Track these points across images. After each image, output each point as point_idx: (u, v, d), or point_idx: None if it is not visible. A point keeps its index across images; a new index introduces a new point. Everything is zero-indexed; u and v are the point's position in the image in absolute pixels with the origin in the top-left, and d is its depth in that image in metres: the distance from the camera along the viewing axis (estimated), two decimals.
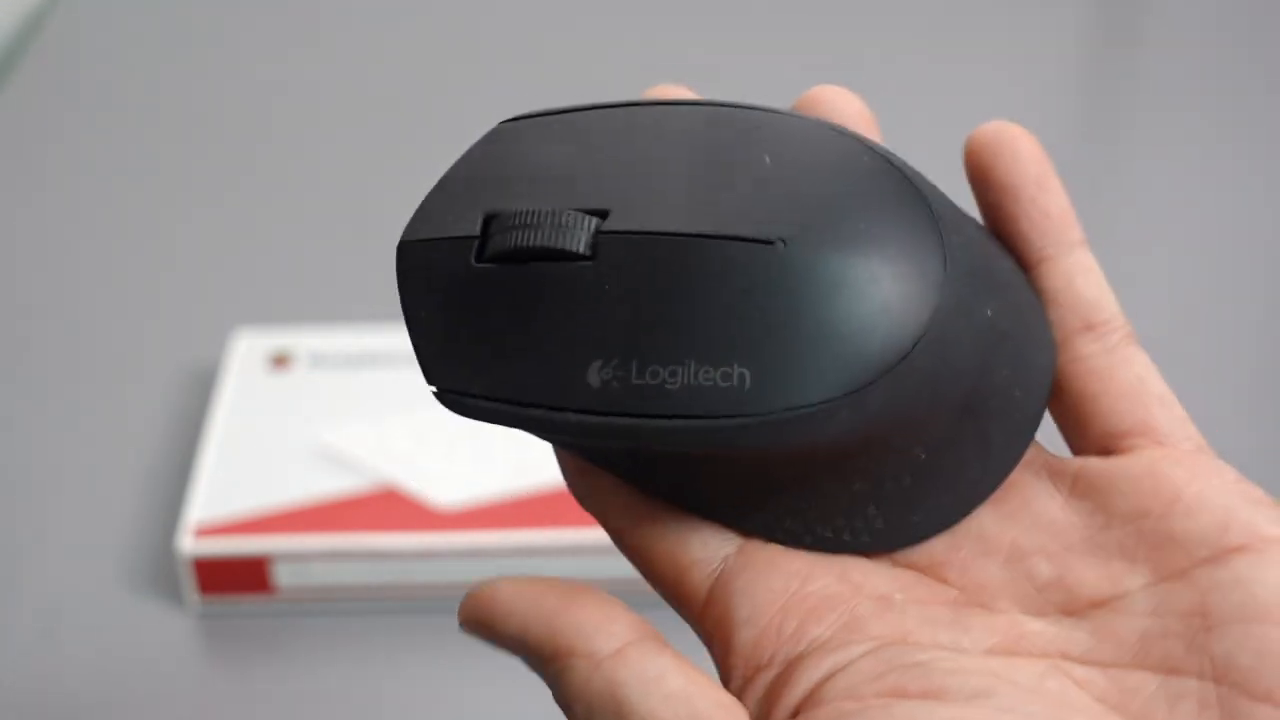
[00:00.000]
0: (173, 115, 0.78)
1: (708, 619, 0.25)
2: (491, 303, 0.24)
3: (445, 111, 0.77)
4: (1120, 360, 0.26)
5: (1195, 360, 0.60)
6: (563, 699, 0.23)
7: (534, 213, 0.24)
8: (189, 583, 0.49)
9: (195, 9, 0.87)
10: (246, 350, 0.56)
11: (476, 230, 0.25)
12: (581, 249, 0.24)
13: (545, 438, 0.25)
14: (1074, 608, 0.24)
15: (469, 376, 0.24)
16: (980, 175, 0.27)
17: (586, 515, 0.49)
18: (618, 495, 0.26)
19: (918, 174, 0.25)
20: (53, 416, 0.58)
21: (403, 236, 0.26)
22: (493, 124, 0.76)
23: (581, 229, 0.24)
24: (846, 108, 0.28)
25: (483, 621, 0.24)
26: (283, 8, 0.87)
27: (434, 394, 0.25)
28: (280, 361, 0.55)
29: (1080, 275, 0.26)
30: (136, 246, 0.68)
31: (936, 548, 0.25)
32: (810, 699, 0.23)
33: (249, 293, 0.64)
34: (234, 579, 0.49)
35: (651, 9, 0.86)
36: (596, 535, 0.49)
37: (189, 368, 0.60)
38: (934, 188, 0.25)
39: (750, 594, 0.24)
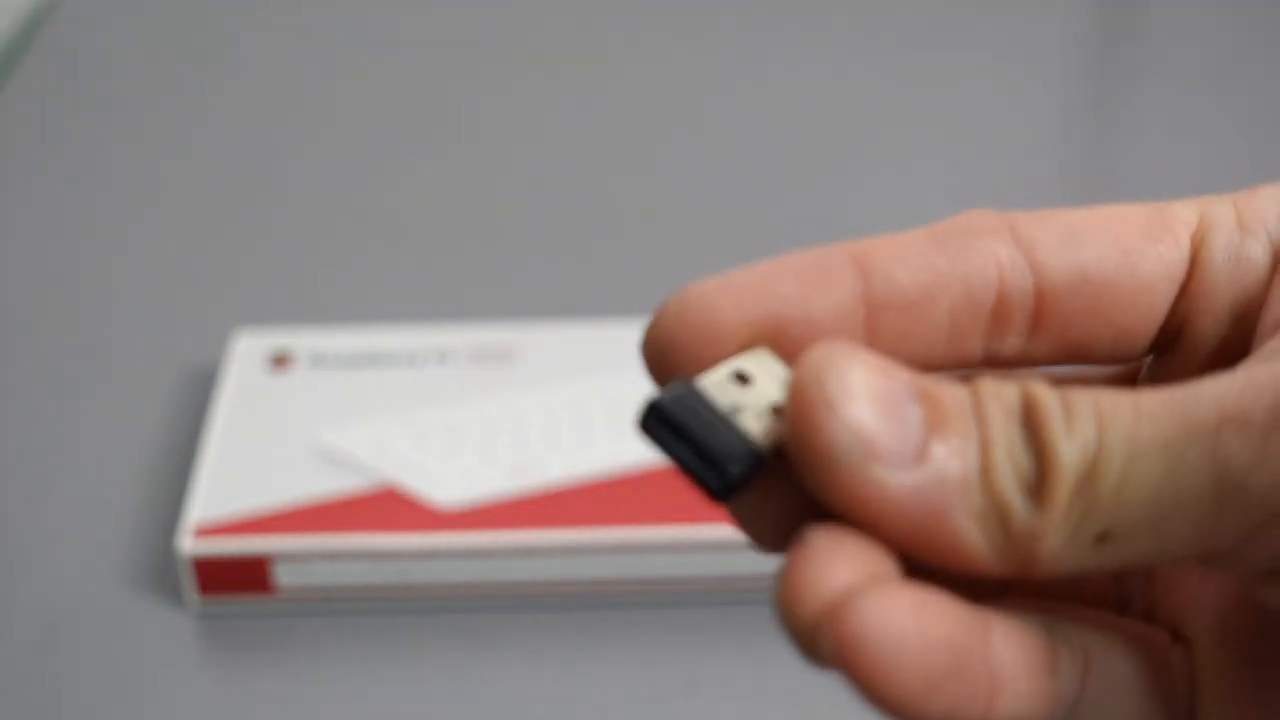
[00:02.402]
0: (173, 115, 0.78)
1: None
2: None
3: (445, 112, 0.77)
4: None
5: None
6: None
7: None
8: (189, 583, 0.49)
9: (196, 9, 0.87)
10: (246, 350, 0.56)
11: None
12: None
13: None
14: None
15: None
16: None
17: (586, 515, 0.49)
18: None
19: None
20: (53, 416, 0.58)
21: None
22: (491, 124, 0.76)
23: None
24: None
25: None
26: (284, 9, 0.87)
27: None
28: (280, 361, 0.55)
29: None
30: (136, 246, 0.68)
31: None
32: None
33: (249, 293, 0.64)
34: (234, 579, 0.49)
35: (651, 14, 0.86)
36: (597, 535, 0.49)
37: (189, 368, 0.59)
38: None
39: None
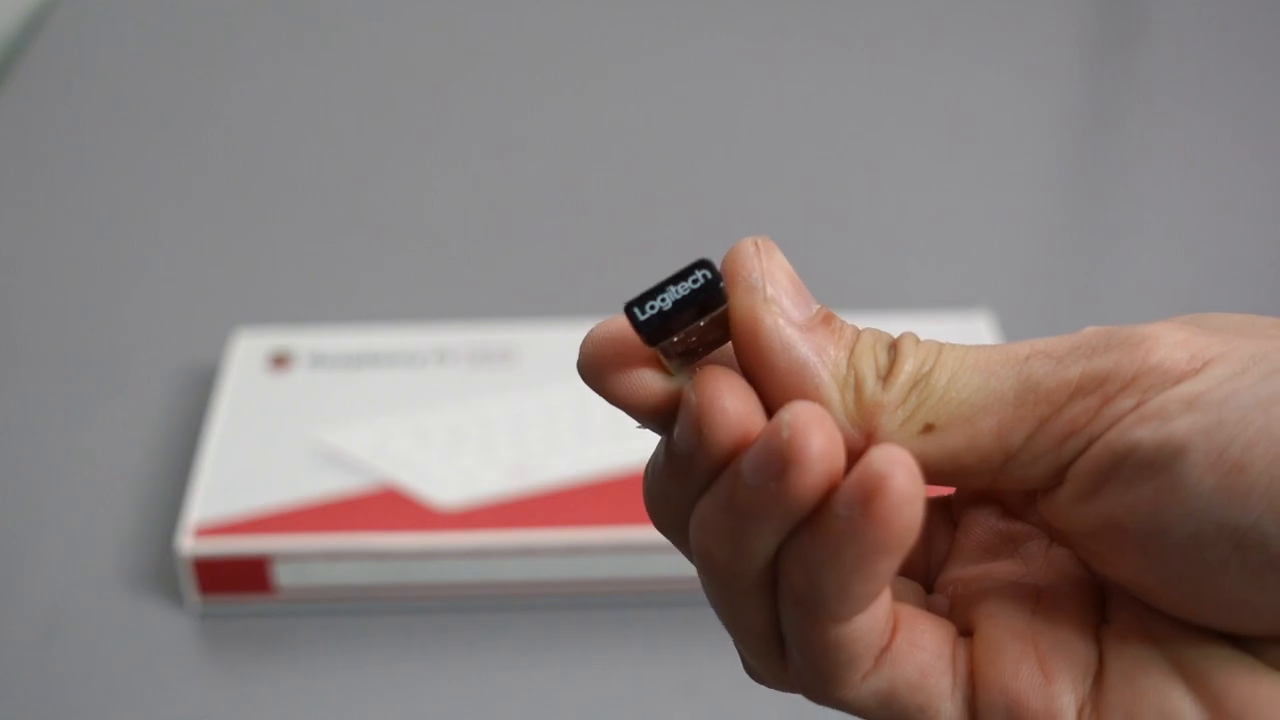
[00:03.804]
0: (173, 116, 0.78)
1: None
2: None
3: (446, 114, 0.77)
4: None
5: None
6: None
7: None
8: (189, 583, 0.49)
9: (196, 9, 0.87)
10: (246, 350, 0.56)
11: None
12: None
13: None
14: None
15: None
16: None
17: (586, 515, 0.49)
18: None
19: None
20: (53, 417, 0.58)
21: None
22: (491, 126, 0.76)
23: None
24: None
25: None
26: (284, 10, 0.87)
27: None
28: (280, 361, 0.55)
29: None
30: (137, 246, 0.68)
31: None
32: None
33: (249, 293, 0.64)
34: (234, 579, 0.49)
35: (652, 18, 0.86)
36: (596, 535, 0.49)
37: (189, 368, 0.60)
38: None
39: None
